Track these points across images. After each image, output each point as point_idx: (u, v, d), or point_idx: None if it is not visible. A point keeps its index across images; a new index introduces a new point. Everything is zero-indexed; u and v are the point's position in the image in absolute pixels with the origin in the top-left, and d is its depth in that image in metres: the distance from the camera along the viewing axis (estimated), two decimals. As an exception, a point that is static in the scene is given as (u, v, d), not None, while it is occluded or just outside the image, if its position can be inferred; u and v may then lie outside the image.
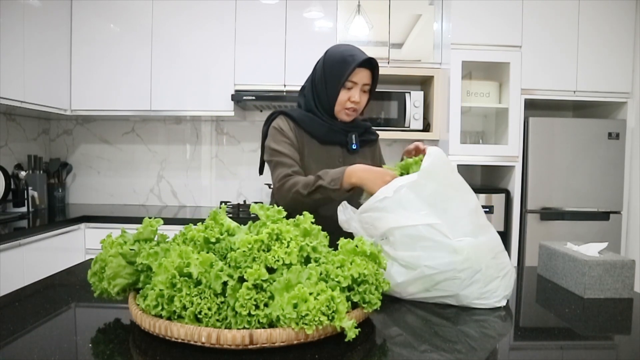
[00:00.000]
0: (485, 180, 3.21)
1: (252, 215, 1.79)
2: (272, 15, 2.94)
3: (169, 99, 2.97)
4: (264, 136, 1.51)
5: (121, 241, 0.97)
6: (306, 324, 0.77)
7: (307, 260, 0.91)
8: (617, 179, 2.76)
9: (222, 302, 0.81)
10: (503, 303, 1.08)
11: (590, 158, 2.74)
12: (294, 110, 1.51)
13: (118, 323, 0.94)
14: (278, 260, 0.84)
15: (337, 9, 2.91)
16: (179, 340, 0.79)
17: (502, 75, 2.86)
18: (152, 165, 3.36)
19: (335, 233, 1.17)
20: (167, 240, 1.01)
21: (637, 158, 2.75)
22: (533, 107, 3.04)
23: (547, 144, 2.74)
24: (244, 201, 3.20)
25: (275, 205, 1.03)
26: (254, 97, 2.85)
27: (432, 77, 2.90)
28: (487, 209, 2.74)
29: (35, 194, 2.91)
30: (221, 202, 3.21)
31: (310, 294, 0.79)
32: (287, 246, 0.86)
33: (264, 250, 0.86)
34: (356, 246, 0.93)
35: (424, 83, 3.13)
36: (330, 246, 1.01)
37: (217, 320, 0.80)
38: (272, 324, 0.80)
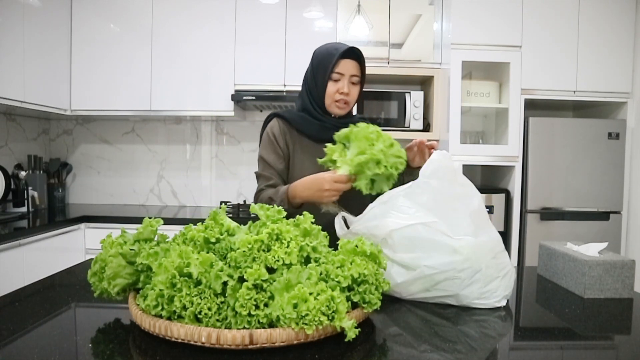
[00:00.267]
0: (485, 180, 3.21)
1: (252, 215, 1.79)
2: (272, 15, 2.94)
3: (169, 99, 2.97)
4: (260, 141, 1.56)
5: (121, 241, 0.97)
6: (306, 324, 0.77)
7: (307, 260, 0.91)
8: (617, 179, 2.76)
9: (222, 302, 0.81)
10: (503, 303, 1.08)
11: (590, 158, 2.74)
12: (287, 112, 1.52)
13: (118, 323, 0.94)
14: (278, 260, 0.84)
15: (337, 9, 2.91)
16: (179, 340, 0.79)
17: (502, 75, 2.86)
18: (152, 165, 3.36)
19: (333, 233, 1.17)
20: (167, 240, 1.01)
21: (637, 158, 2.75)
22: (533, 107, 3.04)
23: (547, 144, 2.74)
24: (244, 201, 3.20)
25: None
26: (254, 97, 2.85)
27: (432, 77, 2.90)
28: (487, 209, 2.73)
29: (35, 194, 2.91)
30: (221, 202, 3.21)
31: (310, 294, 0.79)
32: (287, 246, 0.86)
33: (264, 250, 0.86)
34: (356, 246, 0.94)
35: (424, 83, 3.13)
36: (330, 246, 1.01)
37: (217, 320, 0.80)
38: (272, 324, 0.80)
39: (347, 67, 1.42)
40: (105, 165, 3.36)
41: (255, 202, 1.43)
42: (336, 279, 0.86)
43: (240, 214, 2.86)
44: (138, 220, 1.12)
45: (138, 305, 0.88)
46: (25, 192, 2.79)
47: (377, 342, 0.90)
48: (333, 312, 0.79)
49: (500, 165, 2.82)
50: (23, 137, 3.06)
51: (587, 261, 1.18)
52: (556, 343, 0.94)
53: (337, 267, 0.88)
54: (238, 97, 2.87)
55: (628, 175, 2.77)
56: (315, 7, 2.94)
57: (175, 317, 0.82)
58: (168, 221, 2.58)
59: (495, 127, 3.02)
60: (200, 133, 3.34)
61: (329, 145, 1.30)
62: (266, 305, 0.81)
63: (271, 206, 1.02)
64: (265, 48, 2.94)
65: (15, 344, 0.85)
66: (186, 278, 0.83)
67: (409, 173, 1.43)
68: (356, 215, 1.21)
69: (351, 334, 0.79)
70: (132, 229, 1.03)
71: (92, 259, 1.02)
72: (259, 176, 1.49)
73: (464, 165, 2.79)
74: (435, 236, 1.05)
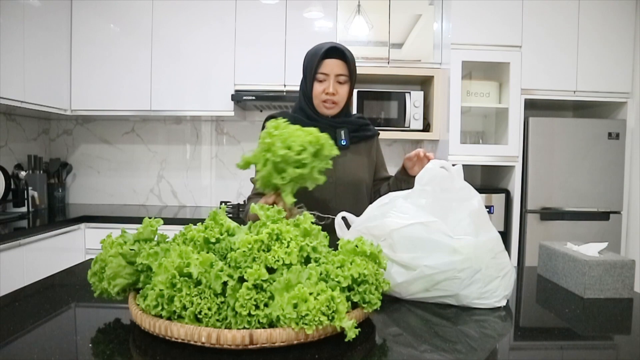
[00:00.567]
0: (485, 180, 3.21)
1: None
2: (272, 15, 2.94)
3: (169, 99, 2.97)
4: None
5: (121, 241, 0.97)
6: (306, 324, 0.77)
7: (307, 261, 0.91)
8: (617, 179, 2.76)
9: (222, 302, 0.81)
10: (503, 303, 1.08)
11: (590, 158, 2.74)
12: (282, 113, 1.53)
13: (118, 323, 0.94)
14: (278, 261, 0.84)
15: (337, 9, 2.91)
16: (179, 340, 0.79)
17: (502, 75, 2.86)
18: (152, 165, 3.36)
19: (330, 233, 1.17)
20: (167, 240, 1.01)
21: (637, 158, 2.75)
22: (533, 107, 3.04)
23: (547, 144, 2.74)
24: (244, 201, 3.20)
25: None
26: (254, 97, 2.85)
27: (432, 77, 2.90)
28: (487, 209, 2.74)
29: (35, 194, 2.91)
30: (221, 202, 3.21)
31: (310, 294, 0.79)
32: (287, 246, 0.86)
33: (264, 250, 0.86)
34: (356, 246, 0.94)
35: (424, 83, 3.13)
36: (330, 246, 1.01)
37: (217, 320, 0.80)
38: (272, 324, 0.80)
39: (331, 66, 1.42)
40: (105, 165, 3.36)
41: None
42: (336, 279, 0.86)
43: (240, 214, 2.86)
44: (138, 220, 1.12)
45: (138, 305, 0.88)
46: (25, 192, 2.79)
47: (377, 342, 0.90)
48: (333, 312, 0.79)
49: (500, 165, 2.82)
50: (23, 137, 3.06)
51: (587, 261, 1.18)
52: (556, 343, 0.94)
53: (337, 267, 0.88)
54: (238, 97, 2.87)
55: (628, 175, 2.77)
56: (315, 7, 2.94)
57: (175, 317, 0.82)
58: (168, 221, 2.58)
59: (495, 127, 3.02)
60: (200, 133, 3.34)
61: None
62: (266, 305, 0.81)
63: (271, 206, 1.02)
64: (265, 48, 2.94)
65: (15, 344, 0.85)
66: (186, 278, 0.83)
67: (407, 181, 1.43)
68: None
69: (351, 334, 0.79)
70: (132, 229, 1.03)
71: (92, 259, 1.02)
72: (252, 182, 1.53)
73: (464, 165, 2.79)
74: (435, 236, 1.05)
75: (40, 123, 3.23)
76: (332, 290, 0.81)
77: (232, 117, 3.13)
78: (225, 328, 0.79)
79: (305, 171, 1.12)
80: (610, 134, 2.74)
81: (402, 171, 1.49)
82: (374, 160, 1.60)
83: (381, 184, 1.61)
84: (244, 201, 3.19)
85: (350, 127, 1.51)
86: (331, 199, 1.46)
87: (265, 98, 2.86)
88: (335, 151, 1.16)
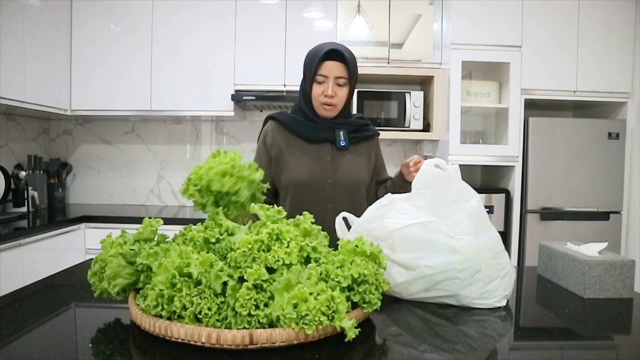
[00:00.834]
0: (485, 180, 3.21)
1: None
2: (272, 15, 2.94)
3: (169, 99, 2.97)
4: None
5: (121, 241, 0.97)
6: (306, 324, 0.77)
7: (307, 260, 0.91)
8: (617, 179, 2.76)
9: (222, 302, 0.81)
10: (503, 303, 1.08)
11: (590, 158, 2.74)
12: (281, 114, 1.53)
13: (118, 323, 0.94)
14: (278, 261, 0.84)
15: (337, 9, 2.91)
16: (179, 340, 0.79)
17: (502, 75, 2.86)
18: (152, 165, 3.36)
19: (328, 233, 1.17)
20: (167, 240, 1.01)
21: (637, 158, 2.75)
22: (533, 107, 3.04)
23: (547, 144, 2.74)
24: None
25: None
26: (254, 97, 2.85)
27: (432, 77, 2.90)
28: (487, 209, 2.74)
29: (35, 194, 2.91)
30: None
31: (310, 294, 0.79)
32: (287, 246, 0.86)
33: (264, 250, 0.86)
34: (356, 246, 0.94)
35: (424, 83, 3.13)
36: (330, 246, 1.01)
37: (217, 320, 0.80)
38: (272, 324, 0.80)
39: (330, 69, 1.41)
40: (105, 165, 3.36)
41: None
42: (336, 279, 0.86)
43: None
44: (138, 220, 1.12)
45: (138, 305, 0.88)
46: (25, 192, 2.79)
47: (377, 342, 0.90)
48: (333, 312, 0.79)
49: (500, 165, 2.82)
50: (23, 137, 3.06)
51: (587, 261, 1.18)
52: (556, 343, 0.94)
53: (337, 267, 0.88)
54: (238, 97, 2.87)
55: (628, 175, 2.77)
56: (315, 7, 2.94)
57: (175, 317, 0.82)
58: (168, 221, 2.58)
59: (495, 127, 3.02)
60: (200, 133, 3.34)
61: None
62: (266, 305, 0.81)
63: (271, 206, 1.02)
64: (265, 48, 2.94)
65: (15, 344, 0.85)
66: (186, 278, 0.83)
67: (404, 187, 1.43)
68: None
69: (351, 334, 0.79)
70: (132, 229, 1.03)
71: (92, 259, 1.02)
72: None
73: (464, 165, 2.79)
74: (435, 236, 1.05)
75: (40, 123, 3.23)
76: (332, 290, 0.81)
77: (232, 117, 3.13)
78: (225, 328, 0.79)
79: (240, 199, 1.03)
80: (610, 134, 2.74)
81: (399, 177, 1.49)
82: (374, 161, 1.59)
83: (380, 186, 1.61)
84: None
85: (349, 128, 1.50)
86: (330, 199, 1.46)
87: (265, 98, 2.86)
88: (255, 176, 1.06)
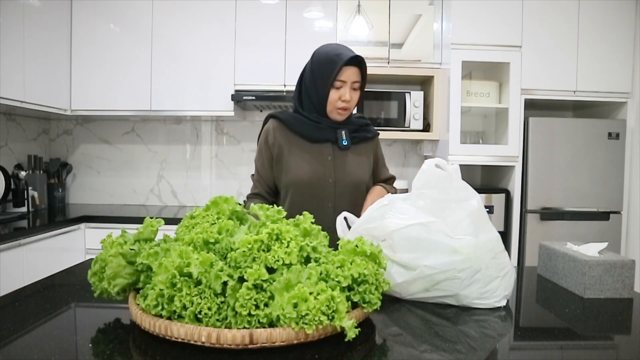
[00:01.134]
0: (485, 180, 3.21)
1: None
2: (272, 15, 2.94)
3: (169, 99, 2.97)
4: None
5: (121, 241, 0.97)
6: (306, 324, 0.77)
7: (307, 260, 0.91)
8: (617, 179, 2.76)
9: (222, 302, 0.81)
10: (503, 303, 1.08)
11: (590, 158, 2.74)
12: (283, 113, 1.53)
13: (118, 323, 0.94)
14: (278, 260, 0.84)
15: (337, 9, 2.91)
16: (179, 340, 0.79)
17: (502, 75, 2.86)
18: (152, 165, 3.36)
19: (328, 232, 1.17)
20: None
21: (637, 158, 2.75)
22: (533, 107, 3.04)
23: (547, 144, 2.74)
24: (244, 201, 3.19)
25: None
26: (254, 97, 2.85)
27: (432, 77, 2.90)
28: (487, 209, 2.74)
29: (35, 194, 2.91)
30: (221, 202, 3.21)
31: (310, 293, 0.79)
32: (287, 246, 0.86)
33: (264, 250, 0.86)
34: (356, 246, 0.93)
35: (424, 83, 3.13)
36: (330, 246, 1.01)
37: (217, 320, 0.80)
38: (272, 324, 0.80)
39: (349, 74, 1.41)
40: (105, 165, 3.36)
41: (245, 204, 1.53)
42: (336, 279, 0.86)
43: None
44: (138, 220, 1.12)
45: (138, 305, 0.88)
46: (25, 192, 2.79)
47: (377, 342, 0.90)
48: (333, 311, 0.79)
49: (500, 165, 2.82)
50: (23, 137, 3.06)
51: (587, 261, 1.18)
52: (556, 343, 0.94)
53: (337, 267, 0.88)
54: (238, 97, 2.87)
55: (628, 175, 2.77)
56: (315, 7, 2.94)
57: (175, 317, 0.82)
58: (168, 221, 2.57)
59: (495, 127, 3.02)
60: (200, 133, 3.34)
61: None
62: (266, 305, 0.81)
63: (271, 206, 1.02)
64: (265, 48, 2.94)
65: (15, 344, 0.85)
66: (186, 278, 0.83)
67: None
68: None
69: (351, 333, 0.79)
70: (132, 229, 1.03)
71: (92, 259, 1.02)
72: (252, 180, 1.60)
73: (464, 165, 2.79)
74: (435, 236, 1.05)
75: (40, 123, 3.23)
76: (332, 290, 0.81)
77: (232, 117, 3.13)
78: (225, 328, 0.79)
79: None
80: (610, 134, 2.74)
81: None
82: (375, 162, 1.60)
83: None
84: (244, 201, 3.18)
85: (350, 128, 1.51)
86: (330, 199, 1.46)
87: (265, 98, 2.86)
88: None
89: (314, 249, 0.91)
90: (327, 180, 1.46)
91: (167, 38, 2.95)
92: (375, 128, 1.64)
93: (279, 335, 0.78)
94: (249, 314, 0.78)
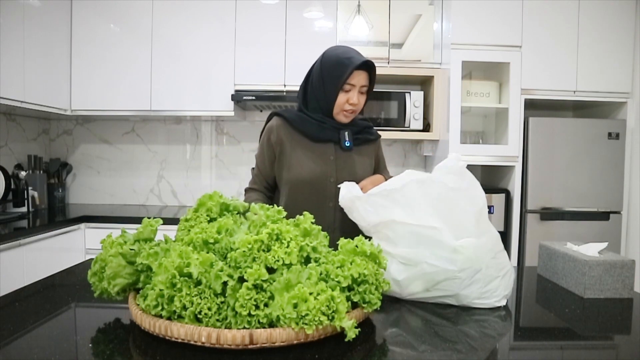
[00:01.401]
0: (485, 180, 3.21)
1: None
2: (272, 15, 2.94)
3: (169, 99, 2.97)
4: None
5: (121, 241, 0.97)
6: (306, 324, 0.77)
7: (307, 260, 0.91)
8: (617, 179, 2.76)
9: (222, 302, 0.81)
10: (503, 303, 1.08)
11: (590, 158, 2.74)
12: (287, 111, 1.54)
13: (118, 323, 0.94)
14: (278, 260, 0.84)
15: (337, 9, 2.91)
16: (179, 340, 0.79)
17: (502, 75, 2.86)
18: (152, 165, 3.36)
19: (329, 231, 1.17)
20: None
21: (637, 158, 2.75)
22: (533, 107, 3.04)
23: (547, 144, 2.74)
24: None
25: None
26: (254, 97, 2.85)
27: (432, 77, 2.90)
28: (488, 209, 2.74)
29: (35, 194, 2.91)
30: (221, 202, 3.21)
31: (310, 293, 0.79)
32: (287, 246, 0.86)
33: (264, 250, 0.86)
34: (356, 246, 0.93)
35: (424, 83, 3.13)
36: (330, 246, 1.01)
37: (217, 320, 0.80)
38: (272, 324, 0.80)
39: (358, 78, 1.42)
40: (105, 165, 3.36)
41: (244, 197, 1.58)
42: (336, 279, 0.86)
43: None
44: (138, 220, 1.12)
45: (138, 305, 0.88)
46: (25, 192, 2.79)
47: (377, 342, 0.90)
48: (333, 312, 0.79)
49: (500, 165, 2.82)
50: (23, 137, 3.06)
51: (587, 261, 1.18)
52: (556, 343, 0.94)
53: (337, 267, 0.88)
54: (238, 97, 2.86)
55: (628, 175, 2.77)
56: (315, 7, 2.94)
57: (175, 317, 0.82)
58: (168, 221, 2.57)
59: (495, 127, 3.02)
60: (200, 133, 3.34)
61: None
62: (266, 305, 0.81)
63: (271, 206, 1.02)
64: (265, 48, 2.94)
65: (15, 344, 0.85)
66: (186, 278, 0.83)
67: None
68: None
69: (351, 333, 0.79)
70: (132, 229, 1.03)
71: (92, 259, 1.02)
72: (251, 173, 1.61)
73: (464, 165, 2.79)
74: (437, 236, 1.05)
75: (40, 123, 3.23)
76: (332, 290, 0.81)
77: (232, 117, 3.13)
78: (225, 328, 0.79)
79: None
80: (610, 134, 2.74)
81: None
82: (376, 164, 1.61)
83: None
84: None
85: (353, 129, 1.52)
86: (331, 198, 1.46)
87: (265, 98, 2.86)
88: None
89: (314, 249, 0.91)
90: (329, 180, 1.46)
91: (167, 38, 2.95)
92: (375, 128, 1.65)
93: (279, 336, 0.78)
94: (249, 314, 0.78)
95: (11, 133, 2.94)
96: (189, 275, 0.83)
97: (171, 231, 1.07)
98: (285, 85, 2.94)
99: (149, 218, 1.01)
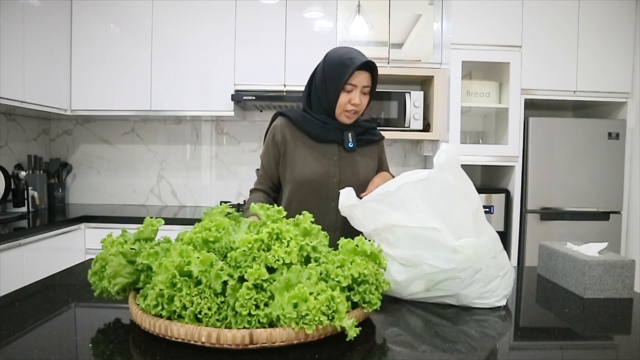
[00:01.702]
0: (485, 180, 3.21)
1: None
2: (272, 15, 2.94)
3: (169, 99, 2.97)
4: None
5: (122, 240, 0.97)
6: (306, 324, 0.77)
7: (307, 260, 0.91)
8: (617, 179, 2.76)
9: (222, 302, 0.81)
10: (503, 302, 1.08)
11: (590, 158, 2.74)
12: (291, 111, 1.53)
13: (118, 323, 0.94)
14: (278, 260, 0.84)
15: (337, 9, 2.91)
16: (179, 340, 0.79)
17: (502, 75, 2.86)
18: (152, 165, 3.36)
19: (332, 231, 1.17)
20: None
21: (637, 158, 2.75)
22: (533, 107, 3.04)
23: (547, 144, 2.74)
24: (244, 201, 3.20)
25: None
26: (254, 97, 2.85)
27: (432, 77, 2.90)
28: (487, 209, 2.74)
29: (35, 194, 2.91)
30: (221, 202, 3.21)
31: (311, 293, 0.79)
32: (287, 246, 0.86)
33: (264, 250, 0.86)
34: (356, 246, 0.93)
35: (424, 83, 3.13)
36: (330, 246, 1.01)
37: (217, 320, 0.80)
38: (272, 324, 0.80)
39: (360, 78, 1.42)
40: (105, 165, 3.36)
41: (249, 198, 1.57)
42: (336, 279, 0.86)
43: (241, 213, 2.86)
44: (138, 220, 1.12)
45: (138, 305, 0.88)
46: (25, 192, 2.79)
47: (377, 342, 0.90)
48: (333, 311, 0.79)
49: (500, 165, 2.82)
50: (23, 137, 3.06)
51: (587, 261, 1.18)
52: (556, 343, 0.94)
53: (337, 267, 0.88)
54: (238, 97, 2.86)
55: (628, 175, 2.77)
56: (315, 7, 2.94)
57: (175, 316, 0.81)
58: (168, 221, 2.58)
59: (495, 127, 3.02)
60: (200, 133, 3.34)
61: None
62: (266, 304, 0.81)
63: (271, 206, 1.02)
64: (265, 48, 2.94)
65: (15, 344, 0.84)
66: (186, 278, 0.83)
67: None
68: None
69: (352, 333, 0.79)
70: (132, 229, 1.03)
71: (92, 259, 1.02)
72: (256, 174, 1.61)
73: (464, 165, 2.78)
74: (436, 237, 1.05)
75: (40, 123, 3.23)
76: (332, 290, 0.81)
77: (232, 117, 3.13)
78: (225, 328, 0.79)
79: None
80: (610, 134, 2.74)
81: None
82: (379, 165, 1.61)
83: None
84: (244, 201, 3.19)
85: (357, 130, 1.52)
86: (334, 198, 1.46)
87: (265, 98, 2.86)
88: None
89: (314, 248, 0.91)
90: (332, 180, 1.46)
91: (167, 38, 2.95)
92: (380, 130, 1.65)
93: (279, 335, 0.78)
94: (249, 314, 0.78)
95: (11, 133, 2.94)
96: (189, 275, 0.83)
97: (171, 231, 1.07)
98: (285, 85, 2.94)
99: (151, 218, 1.01)
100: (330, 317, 0.79)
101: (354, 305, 0.89)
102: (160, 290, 0.82)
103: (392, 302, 1.09)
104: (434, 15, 2.91)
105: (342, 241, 0.96)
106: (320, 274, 0.87)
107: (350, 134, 1.49)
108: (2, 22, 2.36)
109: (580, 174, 2.74)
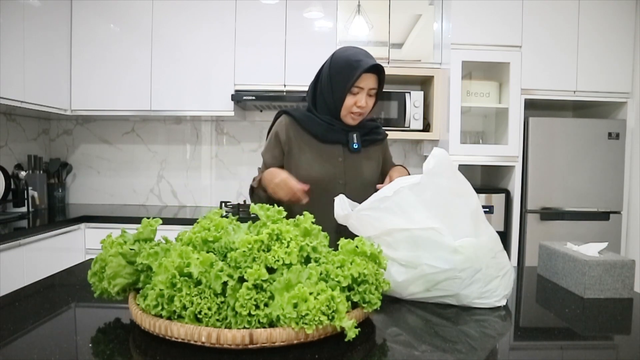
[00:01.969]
0: (485, 180, 3.21)
1: (252, 216, 1.80)
2: (272, 15, 2.94)
3: (169, 99, 2.97)
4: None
5: (121, 241, 0.97)
6: (306, 324, 0.77)
7: (307, 260, 0.91)
8: (617, 179, 2.76)
9: (222, 302, 0.81)
10: (503, 302, 1.08)
11: (590, 158, 2.74)
12: (296, 110, 1.53)
13: (118, 323, 0.94)
14: (278, 260, 0.84)
15: (337, 9, 2.91)
16: (179, 340, 0.79)
17: (502, 75, 2.86)
18: (152, 165, 3.36)
19: (336, 233, 1.17)
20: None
21: (637, 158, 2.75)
22: (533, 107, 3.04)
23: (547, 144, 2.74)
24: (244, 201, 3.20)
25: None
26: (254, 97, 2.85)
27: (432, 77, 2.90)
28: (487, 209, 2.74)
29: (35, 194, 2.91)
30: (221, 202, 3.21)
31: (311, 293, 0.79)
32: (287, 246, 0.86)
33: (264, 250, 0.86)
34: (356, 246, 0.93)
35: (424, 83, 3.13)
36: (330, 246, 1.01)
37: (217, 320, 0.80)
38: (272, 324, 0.80)
39: (367, 81, 1.42)
40: (105, 165, 3.36)
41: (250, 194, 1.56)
42: (336, 279, 0.86)
43: (240, 214, 2.86)
44: (138, 220, 1.12)
45: (138, 305, 0.88)
46: (25, 192, 2.79)
47: (377, 342, 0.90)
48: (333, 311, 0.79)
49: (500, 165, 2.82)
50: (23, 137, 3.06)
51: (587, 261, 1.18)
52: (556, 343, 0.94)
53: (337, 267, 0.88)
54: (238, 97, 2.86)
55: (628, 175, 2.77)
56: (315, 7, 2.94)
57: (175, 317, 0.81)
58: (168, 221, 2.58)
59: (495, 127, 3.02)
60: (200, 133, 3.34)
61: None
62: (266, 305, 0.81)
63: (271, 206, 1.02)
64: (265, 48, 2.94)
65: (15, 344, 0.84)
66: (186, 278, 0.83)
67: None
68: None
69: (351, 333, 0.79)
70: (132, 229, 1.03)
71: (92, 259, 1.02)
72: (258, 172, 1.57)
73: (464, 165, 2.79)
74: (436, 237, 1.05)
75: (40, 123, 3.23)
76: (332, 290, 0.81)
77: (232, 117, 3.13)
78: (225, 328, 0.79)
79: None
80: (610, 134, 2.74)
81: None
82: (384, 164, 1.61)
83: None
84: (244, 201, 3.19)
85: (361, 131, 1.51)
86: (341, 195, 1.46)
87: (265, 98, 2.86)
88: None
89: (314, 249, 0.91)
90: (338, 182, 1.46)
91: (167, 38, 2.95)
92: (384, 128, 1.65)
93: (279, 335, 0.78)
94: (249, 314, 0.78)
95: (11, 133, 2.94)
96: (189, 275, 0.83)
97: (171, 231, 1.07)
98: (285, 85, 2.94)
99: (148, 218, 1.01)
100: (330, 317, 0.79)
101: (354, 305, 0.89)
102: (160, 290, 0.82)
103: (392, 302, 1.09)
104: (434, 15, 2.91)
105: (342, 241, 0.96)
106: (320, 274, 0.87)
107: (355, 135, 1.49)
108: (2, 22, 2.36)
109: (580, 174, 2.74)
